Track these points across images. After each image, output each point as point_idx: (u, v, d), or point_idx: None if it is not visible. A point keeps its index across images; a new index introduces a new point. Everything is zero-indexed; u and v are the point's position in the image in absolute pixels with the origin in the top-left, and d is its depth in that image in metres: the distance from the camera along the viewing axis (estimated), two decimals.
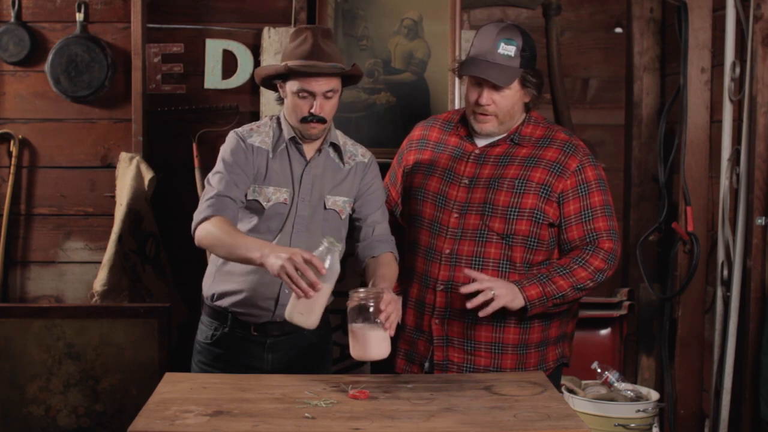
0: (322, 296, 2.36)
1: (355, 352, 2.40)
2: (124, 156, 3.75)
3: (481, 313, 2.53)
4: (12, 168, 3.86)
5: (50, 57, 3.80)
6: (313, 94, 2.58)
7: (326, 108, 2.61)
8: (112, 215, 3.74)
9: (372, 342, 2.37)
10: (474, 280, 2.56)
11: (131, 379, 3.51)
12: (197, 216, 2.58)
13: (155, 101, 3.86)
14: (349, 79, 2.71)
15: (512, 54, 2.64)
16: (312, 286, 2.30)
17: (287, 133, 2.68)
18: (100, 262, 3.72)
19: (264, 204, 2.65)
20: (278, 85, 2.68)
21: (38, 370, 3.51)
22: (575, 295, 2.66)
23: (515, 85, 2.66)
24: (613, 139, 4.00)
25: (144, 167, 3.70)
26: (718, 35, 3.51)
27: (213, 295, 2.74)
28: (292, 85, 2.61)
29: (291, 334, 2.72)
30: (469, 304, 2.51)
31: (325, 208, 2.70)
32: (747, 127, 3.29)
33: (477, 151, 2.76)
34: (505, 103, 2.68)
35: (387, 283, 2.57)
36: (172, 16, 3.89)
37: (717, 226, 3.50)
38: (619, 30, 3.97)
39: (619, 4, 3.96)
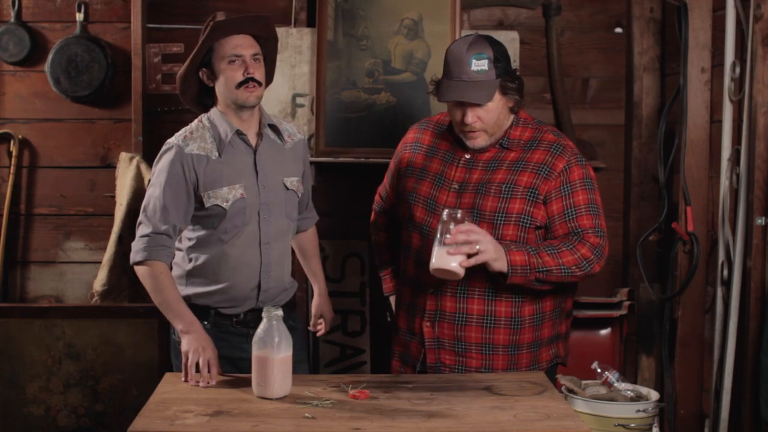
0: (277, 367, 2.34)
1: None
2: (124, 156, 3.75)
3: (463, 263, 2.46)
4: (12, 168, 3.86)
5: (50, 57, 3.80)
6: (241, 57, 2.62)
7: (257, 71, 2.65)
8: (112, 215, 3.74)
9: (434, 254, 2.49)
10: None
11: (131, 379, 3.51)
12: (133, 253, 2.62)
13: (155, 101, 3.86)
14: (269, 52, 2.74)
15: (486, 68, 2.61)
16: (204, 379, 2.48)
17: (229, 127, 2.68)
18: (100, 262, 3.72)
19: (224, 205, 2.65)
20: (202, 75, 2.68)
21: (38, 370, 3.51)
22: (559, 278, 2.60)
23: (496, 96, 2.63)
24: (613, 139, 3.99)
25: (144, 167, 3.70)
26: (718, 35, 3.51)
27: (188, 296, 2.70)
28: (219, 60, 2.63)
29: None
30: (453, 250, 2.44)
31: (287, 189, 2.76)
32: (747, 127, 3.29)
33: (467, 156, 2.74)
34: (491, 116, 2.65)
35: (320, 269, 3.03)
36: (172, 16, 3.88)
37: (717, 226, 3.50)
38: (619, 30, 3.96)
39: (619, 4, 3.95)
